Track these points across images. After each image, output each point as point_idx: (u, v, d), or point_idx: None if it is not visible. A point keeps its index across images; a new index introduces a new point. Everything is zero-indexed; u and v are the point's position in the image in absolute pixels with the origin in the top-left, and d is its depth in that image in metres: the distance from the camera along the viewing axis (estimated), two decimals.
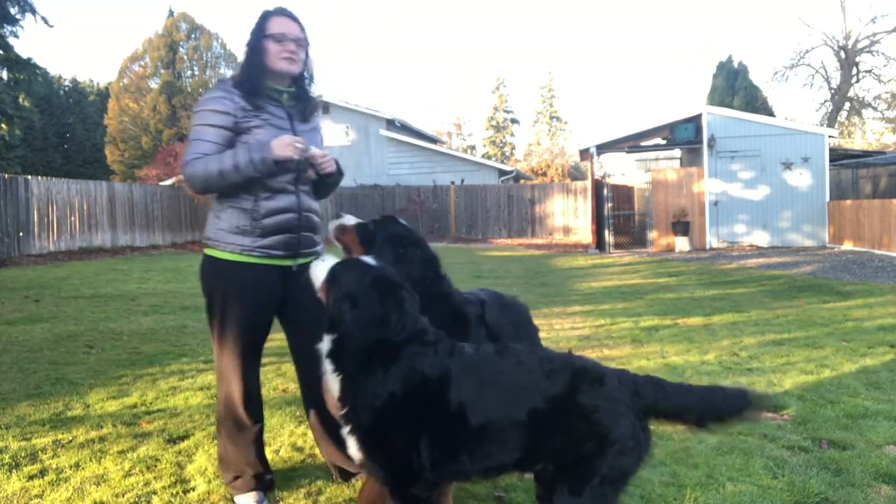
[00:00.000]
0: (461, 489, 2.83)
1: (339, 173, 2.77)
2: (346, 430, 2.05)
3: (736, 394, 2.03)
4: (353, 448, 2.03)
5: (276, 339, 6.33)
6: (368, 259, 2.17)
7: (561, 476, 1.90)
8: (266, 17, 2.67)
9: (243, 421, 2.72)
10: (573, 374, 1.96)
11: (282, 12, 2.68)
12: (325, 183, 2.78)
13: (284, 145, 2.51)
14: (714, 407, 2.00)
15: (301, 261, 2.70)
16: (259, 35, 2.64)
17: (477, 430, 1.95)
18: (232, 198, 2.63)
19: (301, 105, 2.77)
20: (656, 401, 1.96)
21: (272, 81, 2.67)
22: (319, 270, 2.18)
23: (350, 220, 2.63)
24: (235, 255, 2.63)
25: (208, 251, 2.70)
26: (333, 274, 2.12)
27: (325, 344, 2.07)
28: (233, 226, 2.62)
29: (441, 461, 1.99)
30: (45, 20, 16.69)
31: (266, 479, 2.78)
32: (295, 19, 2.69)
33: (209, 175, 2.52)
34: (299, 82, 2.77)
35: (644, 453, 1.93)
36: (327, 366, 2.07)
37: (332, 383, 2.07)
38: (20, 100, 16.04)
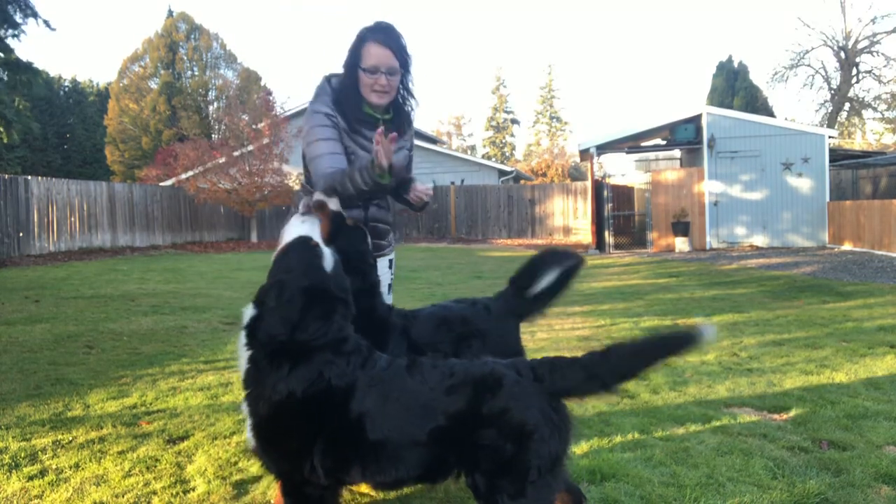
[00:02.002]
0: (461, 489, 2.83)
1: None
2: (244, 412, 2.07)
3: (642, 346, 1.99)
4: (248, 434, 2.06)
5: None
6: (327, 253, 2.13)
7: (496, 483, 1.88)
8: (362, 41, 2.65)
9: None
10: (474, 387, 1.93)
11: (377, 38, 2.64)
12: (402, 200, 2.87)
13: (388, 153, 2.46)
14: (614, 368, 1.95)
15: None
16: (354, 62, 2.65)
17: (372, 445, 1.94)
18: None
19: (397, 124, 2.79)
20: (553, 381, 1.93)
21: (369, 108, 2.73)
22: (292, 229, 2.18)
23: (335, 204, 2.59)
24: None
25: None
26: (287, 249, 2.12)
27: (246, 314, 2.07)
28: None
29: (333, 470, 1.98)
30: (47, 24, 16.68)
31: None
32: (389, 43, 2.64)
33: (335, 185, 2.54)
34: (397, 111, 2.82)
35: (565, 431, 1.92)
36: (241, 338, 2.07)
37: (241, 360, 2.08)
38: (17, 104, 15.98)
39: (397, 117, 2.83)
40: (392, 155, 2.52)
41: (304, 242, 2.14)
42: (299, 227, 2.19)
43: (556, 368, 1.96)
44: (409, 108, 2.88)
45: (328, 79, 2.79)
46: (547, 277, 2.75)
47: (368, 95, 2.68)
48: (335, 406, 1.97)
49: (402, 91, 2.79)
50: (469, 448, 1.91)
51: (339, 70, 2.80)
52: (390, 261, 3.07)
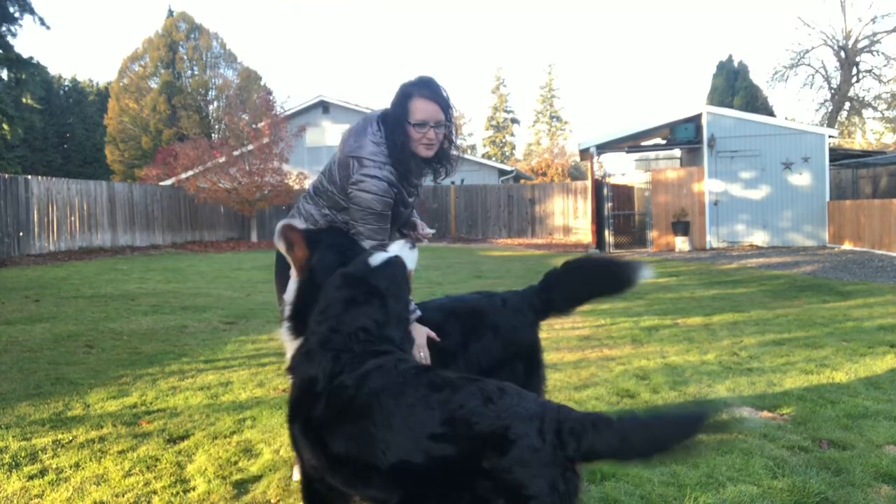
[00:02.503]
0: None
1: None
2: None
3: (682, 420, 1.77)
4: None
5: (277, 339, 6.32)
6: (382, 257, 2.25)
7: None
8: (408, 96, 2.68)
9: None
10: (472, 440, 1.69)
11: (422, 93, 2.68)
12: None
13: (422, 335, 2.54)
14: (655, 437, 1.74)
15: None
16: (402, 117, 2.68)
17: (337, 456, 1.87)
18: (333, 215, 2.83)
19: (431, 170, 2.90)
20: (580, 446, 1.67)
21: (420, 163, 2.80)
22: (394, 249, 2.35)
23: (298, 223, 2.74)
24: None
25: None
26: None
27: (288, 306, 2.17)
28: (311, 226, 2.84)
29: (320, 468, 1.96)
30: (42, 21, 16.70)
31: None
32: (436, 98, 2.69)
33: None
34: (440, 165, 2.90)
35: (569, 502, 1.68)
36: (285, 325, 2.17)
37: (288, 344, 2.17)
38: (24, 99, 16.02)
39: (437, 174, 2.93)
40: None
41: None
42: (395, 247, 2.36)
43: (587, 430, 1.68)
44: (454, 154, 2.91)
45: (378, 122, 2.76)
46: (586, 287, 2.78)
47: (417, 149, 2.73)
48: (323, 399, 1.96)
49: (445, 143, 2.82)
50: (449, 488, 1.72)
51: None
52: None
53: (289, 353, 2.40)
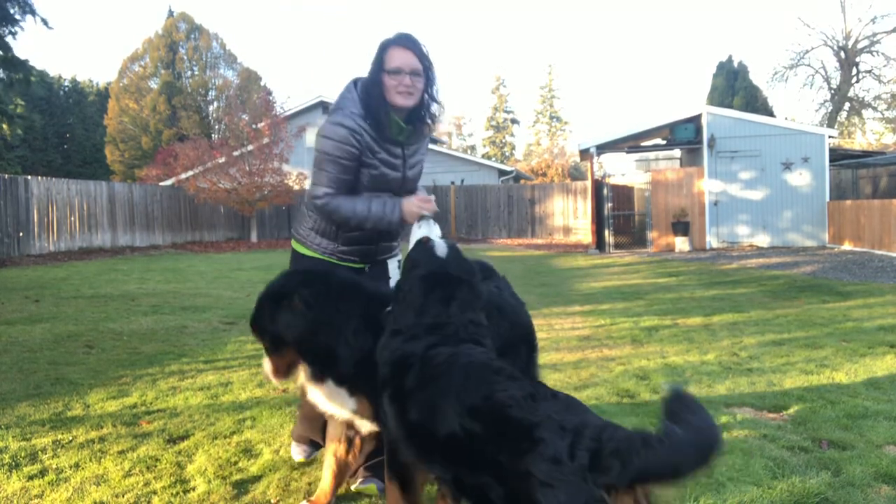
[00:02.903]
0: None
1: None
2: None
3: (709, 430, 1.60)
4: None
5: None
6: (442, 245, 2.28)
7: None
8: (384, 47, 2.71)
9: None
10: (497, 423, 1.68)
11: (399, 42, 2.70)
12: None
13: (413, 212, 2.68)
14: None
15: (373, 263, 2.95)
16: (378, 68, 2.69)
17: (412, 424, 1.93)
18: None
19: (417, 133, 2.85)
20: (622, 471, 1.51)
21: (395, 114, 2.73)
22: (413, 237, 2.40)
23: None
24: (317, 254, 2.89)
25: (296, 245, 2.97)
26: (409, 256, 2.29)
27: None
28: (320, 228, 2.86)
29: (400, 441, 2.03)
30: (44, 22, 16.69)
31: (318, 446, 3.10)
32: (412, 47, 2.70)
33: (342, 215, 2.73)
34: (420, 119, 2.83)
35: None
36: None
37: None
38: (14, 101, 16.01)
39: (419, 127, 2.84)
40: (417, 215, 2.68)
41: (413, 250, 2.31)
42: (420, 232, 2.39)
43: (636, 450, 1.52)
44: (435, 115, 2.88)
45: (354, 83, 2.78)
46: None
47: (393, 98, 2.69)
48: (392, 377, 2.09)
49: (426, 99, 2.79)
50: (476, 477, 1.69)
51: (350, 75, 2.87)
52: (399, 261, 3.08)
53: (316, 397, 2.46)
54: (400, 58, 2.68)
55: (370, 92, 2.70)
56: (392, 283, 2.94)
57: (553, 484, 1.53)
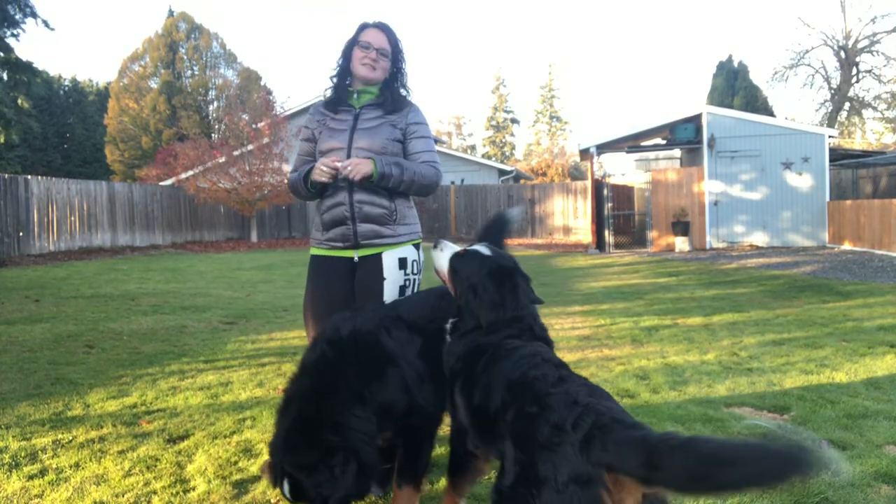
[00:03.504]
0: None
1: (375, 179, 2.83)
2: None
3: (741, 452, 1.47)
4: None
5: (277, 339, 6.35)
6: (483, 248, 2.42)
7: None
8: (361, 28, 2.99)
9: None
10: (524, 393, 1.85)
11: (375, 25, 2.99)
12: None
13: (318, 170, 2.83)
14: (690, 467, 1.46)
15: (362, 252, 2.92)
16: (351, 42, 2.98)
17: (477, 408, 2.05)
18: (317, 200, 3.05)
19: (382, 100, 2.97)
20: (606, 455, 1.54)
21: (357, 86, 2.99)
22: (441, 260, 2.47)
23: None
24: (314, 249, 3.05)
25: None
26: (454, 266, 2.40)
27: (449, 324, 2.36)
28: (315, 222, 3.06)
29: (466, 425, 2.18)
30: (45, 23, 16.68)
31: None
32: (384, 30, 2.97)
33: (293, 186, 3.04)
34: (386, 89, 2.99)
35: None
36: (447, 338, 2.36)
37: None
38: (20, 102, 16.00)
39: (386, 96, 2.97)
40: (324, 174, 2.80)
41: (455, 257, 2.43)
42: (442, 256, 2.48)
43: (631, 446, 1.51)
44: (404, 93, 3.05)
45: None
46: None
47: (357, 68, 2.94)
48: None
49: (395, 73, 3.01)
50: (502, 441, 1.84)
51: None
52: (401, 259, 2.91)
53: None
54: (372, 35, 2.95)
55: (339, 63, 3.00)
56: (387, 282, 2.86)
57: (551, 448, 1.60)
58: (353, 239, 2.88)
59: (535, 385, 1.82)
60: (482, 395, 2.02)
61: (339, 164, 2.78)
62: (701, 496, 1.64)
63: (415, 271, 2.96)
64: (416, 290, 2.98)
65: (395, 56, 2.97)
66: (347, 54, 2.97)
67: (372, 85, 2.98)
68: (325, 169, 2.80)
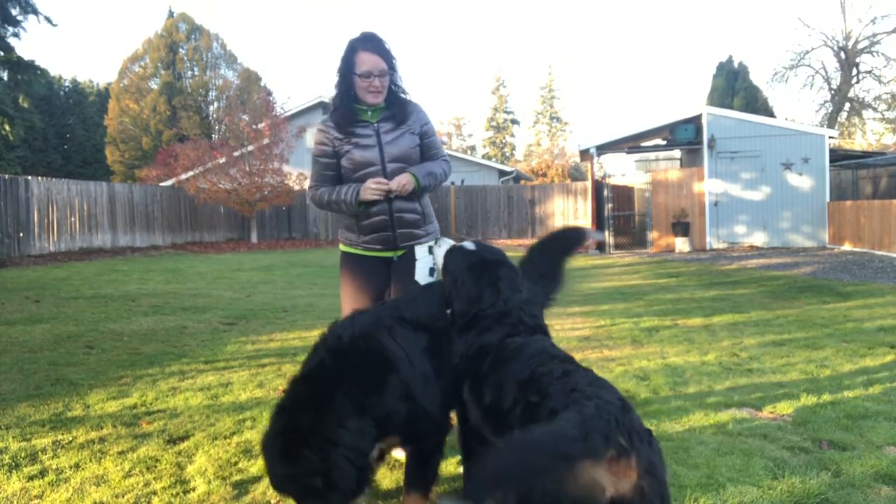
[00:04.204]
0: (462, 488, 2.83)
1: (431, 180, 3.18)
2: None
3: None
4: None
5: (277, 339, 6.34)
6: (469, 244, 2.50)
7: None
8: (353, 50, 3.06)
9: None
10: (528, 388, 1.98)
11: (366, 47, 3.06)
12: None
13: (370, 190, 3.04)
14: None
15: (401, 252, 3.21)
16: (348, 70, 3.07)
17: (488, 406, 2.12)
18: None
19: (392, 112, 3.16)
20: None
21: (363, 106, 3.13)
22: (439, 256, 2.59)
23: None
24: (348, 248, 3.28)
25: (339, 245, 3.37)
26: (444, 261, 2.51)
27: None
28: (346, 225, 3.27)
29: (477, 422, 2.24)
30: (48, 20, 16.70)
31: None
32: (377, 50, 3.06)
33: (323, 203, 3.20)
34: (391, 99, 3.16)
35: None
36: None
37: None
38: (20, 101, 16.04)
39: (394, 107, 3.16)
40: (408, 187, 3.05)
41: (449, 250, 2.56)
42: (439, 251, 2.63)
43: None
44: (404, 97, 3.22)
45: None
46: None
47: (365, 97, 3.10)
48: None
49: (393, 87, 3.16)
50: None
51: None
52: (430, 247, 3.26)
53: None
54: (368, 62, 3.04)
55: (341, 89, 3.12)
56: (419, 262, 3.16)
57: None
58: (393, 242, 3.19)
59: (541, 380, 1.94)
60: (494, 395, 2.07)
61: (392, 186, 3.05)
62: None
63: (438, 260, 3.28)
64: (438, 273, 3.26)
65: (391, 66, 3.11)
66: (348, 80, 3.08)
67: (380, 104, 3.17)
68: (376, 188, 3.03)
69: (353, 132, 3.12)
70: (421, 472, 2.46)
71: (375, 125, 3.13)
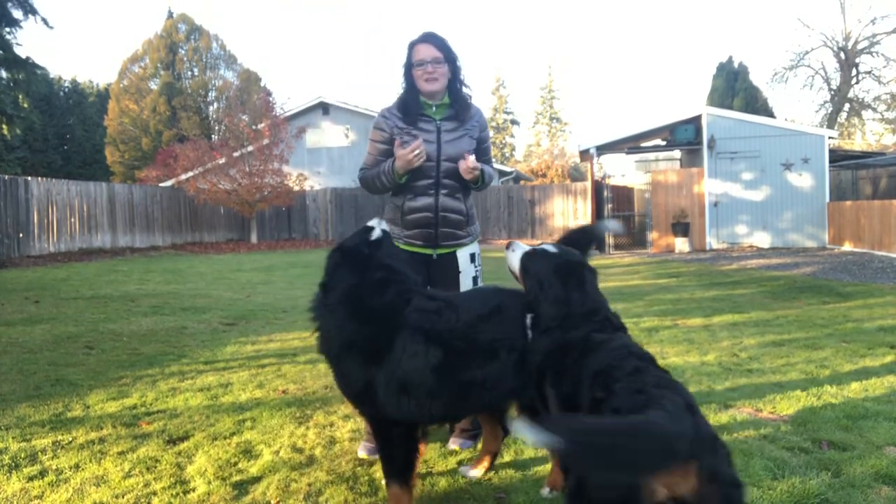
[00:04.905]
0: (462, 489, 2.83)
1: (478, 181, 3.25)
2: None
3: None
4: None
5: (277, 340, 6.35)
6: (549, 246, 2.54)
7: None
8: (410, 47, 3.23)
9: None
10: (597, 380, 1.97)
11: (421, 39, 3.21)
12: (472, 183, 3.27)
13: (402, 158, 3.09)
14: None
15: (440, 251, 3.29)
16: (407, 65, 3.22)
17: (566, 396, 2.13)
18: (392, 196, 3.32)
19: (455, 111, 3.26)
20: None
21: (427, 99, 3.23)
22: (514, 260, 2.59)
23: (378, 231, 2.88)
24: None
25: None
26: (525, 264, 2.52)
27: (528, 320, 2.46)
28: (390, 218, 3.30)
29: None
30: (45, 21, 16.71)
31: None
32: (431, 41, 3.19)
33: (368, 182, 3.29)
34: (451, 92, 3.26)
35: None
36: (528, 333, 2.45)
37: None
38: (20, 100, 16.05)
39: (456, 104, 3.26)
40: (408, 163, 3.07)
41: (528, 254, 2.55)
42: (514, 255, 2.61)
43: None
44: (468, 95, 3.32)
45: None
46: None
47: (421, 85, 3.19)
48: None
49: (457, 84, 3.26)
50: None
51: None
52: (472, 254, 3.38)
53: None
54: (422, 51, 3.18)
55: (405, 84, 3.24)
56: (462, 274, 3.28)
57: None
58: (435, 240, 3.26)
59: (612, 374, 1.94)
60: (571, 386, 2.10)
61: (470, 163, 3.12)
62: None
63: (479, 263, 3.42)
64: (481, 280, 3.41)
65: (449, 57, 3.20)
66: (409, 76, 3.22)
67: (441, 96, 3.24)
68: (411, 157, 3.06)
69: (416, 124, 3.21)
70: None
71: (438, 122, 3.22)
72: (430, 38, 3.20)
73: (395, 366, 2.39)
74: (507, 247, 2.69)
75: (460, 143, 3.23)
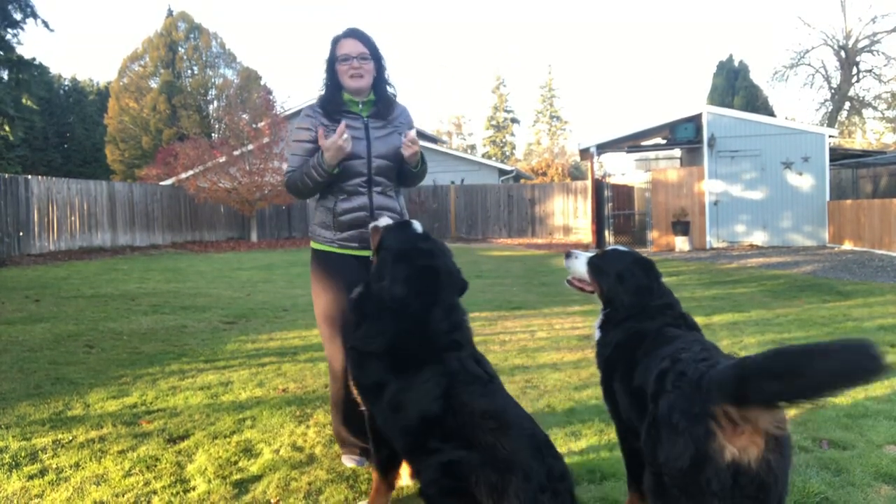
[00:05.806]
0: None
1: (418, 163, 3.11)
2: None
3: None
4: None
5: (277, 339, 6.34)
6: (621, 246, 2.63)
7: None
8: (335, 42, 3.10)
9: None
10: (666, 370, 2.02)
11: (346, 34, 3.09)
12: (406, 173, 3.15)
13: (328, 147, 2.90)
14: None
15: None
16: (331, 60, 3.10)
17: (635, 389, 2.15)
18: (321, 199, 3.15)
19: (379, 108, 3.13)
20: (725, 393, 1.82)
21: (352, 96, 3.10)
22: (578, 265, 2.67)
23: (384, 220, 2.83)
24: (323, 246, 3.12)
25: (312, 244, 3.21)
26: (596, 264, 2.60)
27: (599, 318, 2.53)
28: (321, 222, 3.14)
29: (626, 411, 2.30)
30: (45, 24, 16.71)
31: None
32: (357, 36, 3.07)
33: (296, 184, 3.08)
34: (376, 90, 3.13)
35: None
36: (597, 333, 2.52)
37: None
38: (24, 100, 16.07)
39: (380, 101, 3.13)
40: (339, 150, 2.90)
41: (594, 257, 2.65)
42: (577, 262, 2.69)
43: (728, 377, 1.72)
44: (392, 94, 3.20)
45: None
46: None
47: (346, 82, 3.06)
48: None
49: (381, 82, 3.14)
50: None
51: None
52: None
53: None
54: (347, 46, 3.05)
55: (327, 79, 3.11)
56: None
57: (669, 392, 1.85)
58: (370, 241, 2.98)
59: (680, 356, 1.98)
60: (641, 377, 2.11)
61: (413, 135, 3.02)
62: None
63: None
64: None
65: (375, 54, 3.10)
66: (332, 71, 3.09)
67: (367, 93, 3.11)
68: (340, 145, 2.90)
69: (341, 121, 3.02)
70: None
71: (365, 119, 3.09)
72: (355, 34, 3.07)
73: (405, 388, 2.33)
74: (567, 256, 2.74)
75: (391, 139, 3.08)
